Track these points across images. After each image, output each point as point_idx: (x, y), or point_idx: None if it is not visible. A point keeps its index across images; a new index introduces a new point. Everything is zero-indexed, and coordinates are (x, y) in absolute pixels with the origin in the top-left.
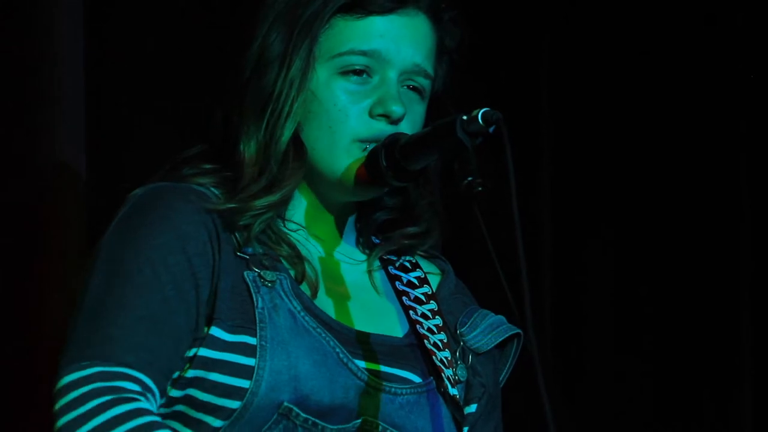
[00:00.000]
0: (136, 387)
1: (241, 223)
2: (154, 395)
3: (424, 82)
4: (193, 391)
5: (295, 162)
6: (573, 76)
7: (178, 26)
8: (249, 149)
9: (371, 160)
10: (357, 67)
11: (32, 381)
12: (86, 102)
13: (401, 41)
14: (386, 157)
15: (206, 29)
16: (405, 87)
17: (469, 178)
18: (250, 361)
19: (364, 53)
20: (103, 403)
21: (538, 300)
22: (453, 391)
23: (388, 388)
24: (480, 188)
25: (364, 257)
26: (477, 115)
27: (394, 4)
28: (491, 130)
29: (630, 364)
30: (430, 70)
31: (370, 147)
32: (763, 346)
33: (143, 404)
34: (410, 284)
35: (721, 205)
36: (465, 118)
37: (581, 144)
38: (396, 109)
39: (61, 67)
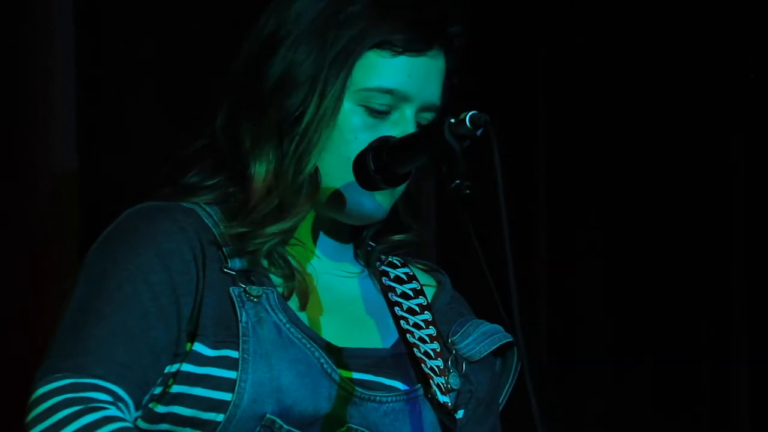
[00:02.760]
0: (106, 397)
1: (249, 249)
2: (127, 405)
3: (433, 115)
4: (177, 408)
5: (310, 187)
6: (569, 78)
7: (171, 25)
8: (260, 168)
9: (359, 164)
10: (380, 102)
11: (25, 386)
12: (77, 103)
13: (424, 83)
14: (374, 161)
15: (200, 27)
16: (417, 121)
17: (457, 181)
18: (232, 374)
19: (389, 91)
20: (71, 414)
21: (533, 304)
22: (443, 398)
23: (372, 397)
24: (468, 191)
25: (358, 268)
26: (465, 118)
27: (424, 46)
28: (479, 132)
29: (624, 370)
30: (440, 104)
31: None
32: (759, 358)
33: (112, 412)
34: (404, 295)
35: (714, 210)
36: (453, 120)
37: (577, 147)
38: None
39: (53, 67)
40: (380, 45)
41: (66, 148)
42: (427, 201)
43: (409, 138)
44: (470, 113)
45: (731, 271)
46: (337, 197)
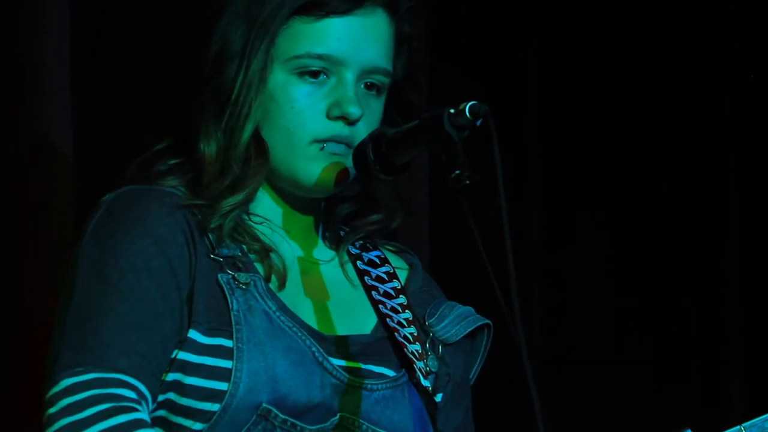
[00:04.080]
0: (132, 395)
1: (212, 225)
2: (147, 402)
3: (383, 80)
4: (172, 395)
5: (257, 160)
6: (561, 73)
7: (165, 17)
8: (209, 148)
9: (358, 155)
10: (313, 68)
11: (21, 377)
12: (72, 94)
13: (359, 43)
14: (373, 151)
15: (193, 19)
16: (363, 85)
17: (457, 171)
18: (227, 364)
19: (320, 57)
20: (103, 411)
21: (526, 295)
22: (425, 382)
23: (364, 385)
24: (467, 181)
25: (332, 253)
26: (464, 109)
27: (351, 4)
28: (478, 123)
29: (618, 363)
30: (389, 68)
31: (327, 146)
32: (753, 357)
33: (141, 414)
34: (379, 279)
35: (709, 209)
36: (452, 111)
37: (569, 141)
38: (353, 111)
39: (48, 60)
40: (303, 11)
41: (63, 139)
42: (420, 193)
43: (408, 128)
44: (470, 103)
45: (727, 267)
46: (287, 169)
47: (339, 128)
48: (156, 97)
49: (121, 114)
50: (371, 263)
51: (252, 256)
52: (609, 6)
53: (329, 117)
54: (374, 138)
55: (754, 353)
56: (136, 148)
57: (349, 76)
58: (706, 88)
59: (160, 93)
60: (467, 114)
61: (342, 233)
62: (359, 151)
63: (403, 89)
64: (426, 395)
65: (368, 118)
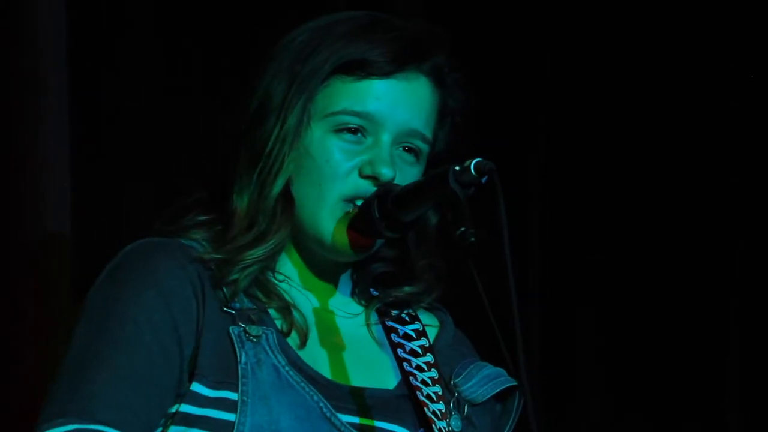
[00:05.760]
0: None
1: (229, 279)
2: None
3: (422, 145)
4: None
5: (283, 215)
6: (568, 128)
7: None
8: (241, 202)
9: (363, 212)
10: (351, 126)
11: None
12: (72, 164)
13: (398, 106)
14: (379, 208)
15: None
16: (401, 149)
17: (462, 229)
18: (230, 417)
19: (357, 114)
20: None
21: (527, 350)
22: None
23: None
24: (473, 238)
25: (360, 309)
26: (469, 166)
27: (393, 67)
28: (484, 180)
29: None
30: (428, 134)
31: (353, 211)
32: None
33: None
34: (406, 336)
35: (716, 252)
36: (457, 168)
37: (575, 198)
38: (385, 172)
39: (45, 127)
40: (345, 70)
41: (60, 215)
42: None
43: (413, 186)
44: (475, 160)
45: (729, 330)
46: (312, 227)
47: (369, 187)
48: (161, 166)
49: (123, 189)
50: (400, 320)
51: (271, 310)
52: (618, 65)
53: (361, 175)
54: (380, 195)
55: (756, 403)
56: (137, 227)
57: (386, 137)
58: (720, 160)
59: (165, 160)
60: (472, 171)
61: (373, 291)
62: (365, 208)
63: (443, 163)
64: None
65: (402, 182)
